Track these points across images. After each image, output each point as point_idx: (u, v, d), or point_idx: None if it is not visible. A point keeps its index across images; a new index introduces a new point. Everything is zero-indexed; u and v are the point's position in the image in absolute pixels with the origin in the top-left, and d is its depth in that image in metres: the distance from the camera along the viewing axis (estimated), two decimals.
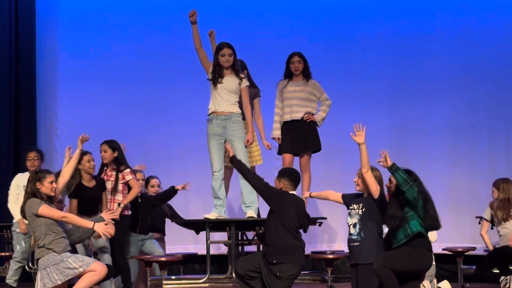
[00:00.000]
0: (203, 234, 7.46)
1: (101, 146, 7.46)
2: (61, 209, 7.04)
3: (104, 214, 6.53)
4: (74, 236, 6.57)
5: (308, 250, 7.47)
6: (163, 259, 7.12)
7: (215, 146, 7.26)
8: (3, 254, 8.81)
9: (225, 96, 7.24)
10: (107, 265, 6.45)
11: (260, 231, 7.21)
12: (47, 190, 6.38)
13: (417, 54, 9.75)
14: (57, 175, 6.73)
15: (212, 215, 7.20)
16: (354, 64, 9.85)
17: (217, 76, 7.25)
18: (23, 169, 8.16)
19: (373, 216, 6.27)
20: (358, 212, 6.33)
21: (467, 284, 8.24)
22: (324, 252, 8.18)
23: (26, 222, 7.81)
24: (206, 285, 7.16)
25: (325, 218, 7.80)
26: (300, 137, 7.68)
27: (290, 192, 6.37)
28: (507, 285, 7.46)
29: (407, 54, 9.79)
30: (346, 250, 6.61)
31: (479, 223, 8.00)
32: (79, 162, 7.14)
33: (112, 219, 6.69)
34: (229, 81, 7.25)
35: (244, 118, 7.33)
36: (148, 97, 10.00)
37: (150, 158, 9.39)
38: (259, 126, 7.87)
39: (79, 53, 10.11)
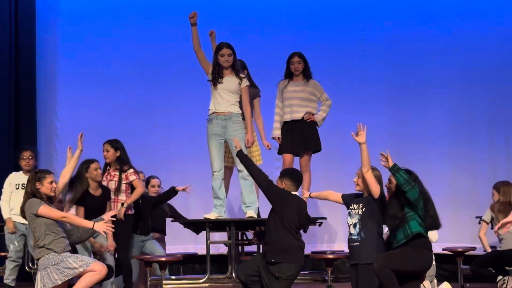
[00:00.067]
0: (203, 234, 7.47)
1: (103, 145, 7.47)
2: (61, 209, 7.04)
3: (105, 214, 6.52)
4: (74, 236, 6.57)
5: (308, 250, 7.48)
6: (163, 259, 7.12)
7: (215, 146, 7.27)
8: (3, 254, 8.80)
9: (225, 96, 7.24)
10: (107, 265, 6.46)
11: (259, 230, 7.23)
12: (47, 190, 6.38)
13: (418, 56, 9.74)
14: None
15: (212, 215, 7.20)
16: (354, 66, 9.85)
17: (217, 76, 7.25)
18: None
19: (373, 216, 6.27)
20: (358, 212, 6.33)
21: (467, 284, 8.24)
22: (324, 252, 8.18)
23: (14, 220, 7.87)
24: (206, 285, 7.16)
25: (325, 218, 7.80)
26: (300, 137, 7.68)
27: (293, 192, 6.36)
28: (505, 285, 7.47)
29: (407, 55, 9.78)
30: (346, 250, 6.61)
31: (479, 223, 8.00)
32: (86, 170, 7.15)
33: (116, 219, 6.71)
34: (229, 81, 7.25)
35: (244, 118, 7.33)
36: (148, 97, 10.00)
37: (150, 158, 9.39)
38: (259, 126, 7.87)
39: (79, 53, 10.10)
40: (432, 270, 7.08)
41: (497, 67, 9.57)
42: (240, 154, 6.64)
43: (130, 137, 8.75)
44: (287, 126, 7.75)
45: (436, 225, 6.23)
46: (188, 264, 9.64)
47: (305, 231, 6.78)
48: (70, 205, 7.31)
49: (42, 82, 10.16)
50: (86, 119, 9.77)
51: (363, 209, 6.31)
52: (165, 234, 8.21)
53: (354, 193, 6.53)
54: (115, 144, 7.45)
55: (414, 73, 9.76)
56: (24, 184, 7.81)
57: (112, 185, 7.39)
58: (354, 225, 6.32)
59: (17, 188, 7.93)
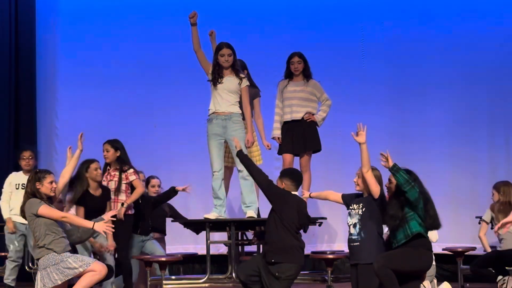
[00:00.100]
0: (203, 234, 7.46)
1: (103, 145, 7.47)
2: (61, 209, 7.04)
3: (105, 214, 6.51)
4: (74, 236, 6.57)
5: (308, 250, 7.48)
6: (163, 259, 7.12)
7: (215, 146, 7.27)
8: (3, 254, 8.81)
9: (225, 96, 7.24)
10: (107, 265, 6.45)
11: (259, 230, 7.22)
12: (47, 190, 6.38)
13: (418, 56, 9.74)
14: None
15: (212, 215, 7.20)
16: (354, 66, 9.84)
17: (217, 77, 7.25)
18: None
19: (373, 216, 6.27)
20: (358, 212, 6.33)
21: (467, 284, 8.24)
22: (324, 252, 8.18)
23: (14, 220, 7.87)
24: (206, 285, 7.16)
25: (325, 218, 7.80)
26: (300, 137, 7.68)
27: (293, 192, 6.36)
28: (505, 285, 7.47)
29: (407, 55, 9.78)
30: (346, 250, 6.61)
31: (479, 223, 8.00)
32: (86, 170, 7.15)
33: (116, 219, 6.70)
34: (229, 81, 7.25)
35: (244, 118, 7.33)
36: (148, 97, 10.00)
37: (150, 158, 9.39)
38: (259, 126, 7.87)
39: (79, 53, 10.10)
40: (432, 270, 7.08)
41: (497, 67, 9.57)
42: (240, 154, 6.65)
43: (130, 137, 8.75)
44: (287, 126, 7.75)
45: (436, 225, 6.23)
46: (188, 264, 9.64)
47: (305, 231, 6.78)
48: (70, 205, 7.31)
49: (42, 82, 10.16)
50: (86, 119, 9.77)
51: (363, 209, 6.31)
52: (165, 234, 8.20)
53: (354, 193, 6.53)
54: (115, 144, 7.46)
55: (414, 73, 9.76)
56: (24, 184, 7.82)
57: (112, 185, 7.39)
58: (354, 225, 6.32)
59: (17, 188, 7.94)
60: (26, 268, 8.53)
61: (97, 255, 7.23)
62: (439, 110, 9.65)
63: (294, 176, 6.45)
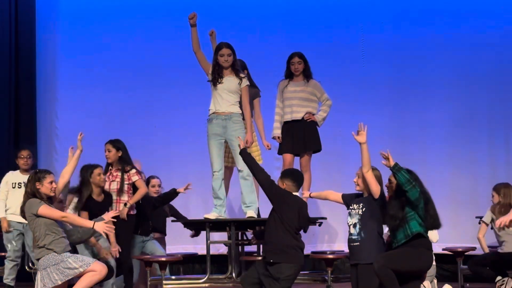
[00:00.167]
0: (203, 234, 7.46)
1: (105, 145, 7.47)
2: (62, 209, 7.04)
3: (106, 215, 6.51)
4: (75, 236, 6.57)
5: (308, 250, 7.48)
6: (163, 259, 7.12)
7: (215, 146, 7.27)
8: (3, 254, 8.81)
9: (226, 96, 7.24)
10: (108, 265, 6.45)
11: (259, 230, 7.22)
12: (47, 190, 6.38)
13: (418, 57, 9.74)
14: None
15: (212, 215, 7.20)
16: (354, 66, 9.84)
17: (216, 77, 7.25)
18: None
19: (373, 216, 6.27)
20: (358, 212, 6.33)
21: (467, 284, 8.24)
22: (324, 252, 8.18)
23: (10, 220, 7.87)
24: (206, 285, 7.17)
25: (325, 218, 7.80)
26: (301, 137, 7.68)
27: (294, 193, 6.35)
28: (503, 286, 7.46)
29: (407, 56, 9.77)
30: (346, 250, 6.60)
31: (479, 223, 7.99)
32: (90, 175, 7.15)
33: (119, 219, 6.70)
34: (229, 81, 7.25)
35: (244, 118, 7.33)
36: (148, 97, 9.99)
37: (150, 158, 9.38)
38: (259, 126, 7.87)
39: (79, 54, 10.10)
40: (432, 270, 7.08)
41: (497, 67, 9.57)
42: (243, 152, 6.60)
43: (130, 137, 8.74)
44: (287, 126, 7.75)
45: (436, 225, 6.24)
46: (188, 264, 9.64)
47: (305, 231, 6.77)
48: (75, 211, 7.31)
49: (42, 82, 10.15)
50: (86, 119, 9.77)
51: (363, 209, 6.31)
52: (165, 235, 8.20)
53: (354, 193, 6.53)
54: (117, 144, 7.45)
55: (414, 73, 9.75)
56: (20, 183, 7.85)
57: (114, 186, 7.38)
58: (354, 225, 6.32)
59: (13, 187, 7.95)
60: (26, 268, 8.53)
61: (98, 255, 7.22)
62: (439, 111, 9.64)
63: (295, 176, 6.43)
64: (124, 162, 7.41)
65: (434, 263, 6.59)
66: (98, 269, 6.23)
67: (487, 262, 7.62)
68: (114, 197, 7.36)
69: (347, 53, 9.88)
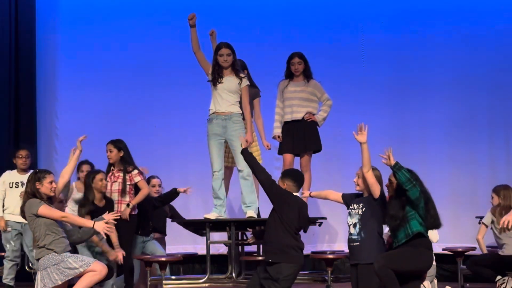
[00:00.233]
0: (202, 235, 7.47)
1: (106, 146, 7.46)
2: (63, 209, 7.04)
3: (107, 215, 6.51)
4: (75, 236, 6.57)
5: (308, 250, 7.48)
6: (163, 259, 7.11)
7: (215, 146, 7.27)
8: (2, 254, 8.81)
9: (226, 96, 7.24)
10: (108, 265, 6.45)
11: (258, 229, 7.22)
12: (47, 190, 6.38)
13: (418, 57, 9.74)
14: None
15: (212, 215, 7.20)
16: (354, 66, 9.83)
17: (216, 77, 7.25)
18: None
19: (373, 216, 6.27)
20: (358, 212, 6.33)
21: (467, 284, 8.24)
22: (324, 252, 8.18)
23: (8, 219, 7.88)
24: (206, 285, 7.17)
25: (325, 218, 7.80)
26: (301, 137, 7.68)
27: (294, 193, 6.35)
28: (504, 285, 7.46)
29: (407, 56, 9.77)
30: (347, 250, 6.60)
31: (479, 223, 7.99)
32: (92, 180, 7.15)
33: (121, 219, 6.69)
34: (229, 81, 7.25)
35: (244, 118, 7.33)
36: (148, 97, 9.99)
37: (150, 158, 9.37)
38: (259, 126, 7.87)
39: (79, 53, 10.10)
40: (432, 270, 7.08)
41: (497, 68, 9.57)
42: (244, 152, 6.57)
43: (130, 137, 8.73)
44: (287, 126, 7.76)
45: (437, 225, 6.24)
46: (188, 264, 9.64)
47: (305, 231, 6.77)
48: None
49: (42, 82, 10.15)
50: (86, 119, 9.77)
51: (363, 209, 6.31)
52: (165, 235, 8.20)
53: (354, 193, 6.53)
54: (118, 144, 7.44)
55: (414, 73, 9.74)
56: (18, 182, 7.85)
57: (116, 186, 7.37)
58: (354, 225, 6.32)
59: (11, 187, 7.95)
60: (26, 268, 8.53)
61: (99, 255, 7.21)
62: (439, 111, 9.64)
63: (296, 176, 6.43)
64: (126, 163, 7.40)
65: (434, 263, 6.59)
66: (98, 269, 6.23)
67: (487, 263, 7.61)
68: (116, 197, 7.36)
69: (347, 53, 9.87)
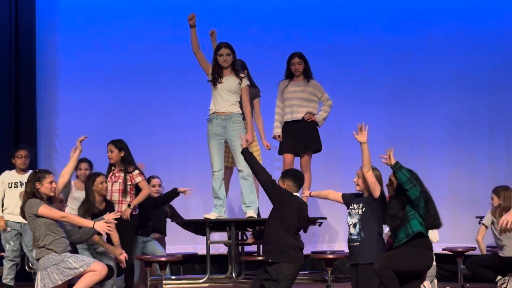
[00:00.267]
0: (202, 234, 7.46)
1: (107, 146, 7.46)
2: (63, 209, 7.04)
3: (107, 215, 6.51)
4: (75, 236, 6.58)
5: (308, 250, 7.48)
6: (163, 259, 7.11)
7: (215, 146, 7.27)
8: (2, 254, 8.82)
9: (226, 96, 7.24)
10: (108, 265, 6.45)
11: (258, 229, 7.22)
12: (47, 190, 6.38)
13: (418, 57, 9.74)
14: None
15: (212, 215, 7.20)
16: (354, 66, 9.83)
17: (216, 77, 7.25)
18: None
19: (373, 216, 6.27)
20: (358, 212, 6.33)
21: (467, 284, 8.23)
22: (324, 252, 8.18)
23: (7, 219, 7.88)
24: (206, 285, 7.16)
25: (325, 218, 7.80)
26: (301, 137, 7.68)
27: (294, 193, 6.35)
28: (505, 285, 7.45)
29: (407, 56, 9.77)
30: (347, 250, 6.60)
31: (479, 223, 7.99)
32: (92, 183, 7.15)
33: (122, 219, 6.69)
34: (229, 81, 7.25)
35: (244, 118, 7.33)
36: (148, 97, 9.99)
37: (150, 158, 9.37)
38: (259, 127, 7.87)
39: (79, 54, 10.10)
40: (432, 270, 7.08)
41: (497, 69, 9.57)
42: (245, 151, 6.55)
43: (131, 137, 8.73)
44: (287, 126, 7.76)
45: (437, 224, 6.24)
46: (188, 264, 9.64)
47: (305, 231, 6.77)
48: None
49: (42, 82, 10.15)
50: (86, 119, 9.77)
51: (363, 209, 6.31)
52: (165, 235, 8.20)
53: (354, 193, 6.53)
54: (119, 144, 7.44)
55: (414, 73, 9.75)
56: (17, 182, 7.85)
57: (116, 186, 7.36)
58: (354, 225, 6.32)
59: (10, 187, 7.95)
60: (26, 268, 8.53)
61: (99, 255, 7.21)
62: (439, 111, 9.64)
63: (296, 176, 6.42)
64: (127, 163, 7.40)
65: (434, 263, 6.59)
66: (98, 269, 6.23)
67: (487, 264, 7.59)
68: (117, 197, 7.35)
69: (347, 53, 9.87)
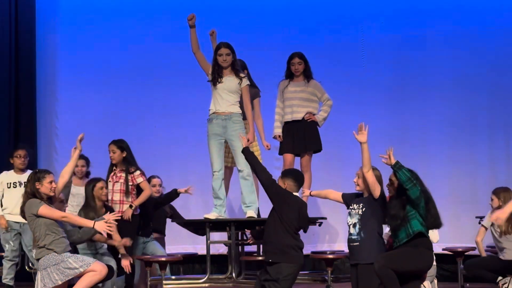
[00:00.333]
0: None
1: (109, 146, 7.44)
2: (63, 209, 7.03)
3: (108, 215, 6.50)
4: (75, 236, 6.58)
5: (308, 250, 7.48)
6: (163, 259, 7.11)
7: (215, 146, 7.27)
8: (1, 254, 8.82)
9: (226, 96, 7.24)
10: (108, 265, 6.45)
11: (258, 229, 7.22)
12: (47, 190, 6.38)
13: (418, 57, 9.73)
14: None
15: (212, 215, 7.20)
16: (354, 67, 9.83)
17: (216, 76, 7.25)
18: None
19: (373, 216, 6.27)
20: (358, 212, 6.33)
21: (467, 284, 8.23)
22: (324, 252, 8.18)
23: (7, 219, 7.88)
24: (206, 285, 7.16)
25: (325, 218, 7.80)
26: (301, 137, 7.68)
27: (294, 193, 6.35)
28: (506, 285, 7.45)
29: (407, 57, 9.77)
30: (347, 250, 6.60)
31: (479, 223, 7.98)
32: (92, 188, 7.14)
33: (123, 220, 6.68)
34: (229, 81, 7.25)
35: (244, 118, 7.33)
36: (148, 97, 10.00)
37: (150, 158, 9.37)
38: (259, 127, 7.87)
39: (79, 53, 10.10)
40: (432, 270, 7.07)
41: (497, 69, 9.56)
42: (245, 150, 6.55)
43: (130, 137, 8.74)
44: (287, 126, 7.76)
45: (437, 224, 6.24)
46: (188, 264, 9.64)
47: (305, 231, 6.77)
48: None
49: (42, 82, 10.15)
50: (86, 119, 9.77)
51: (363, 209, 6.31)
52: (164, 235, 8.20)
53: (355, 193, 6.52)
54: (121, 144, 7.42)
55: (414, 73, 9.74)
56: (16, 182, 7.85)
57: (118, 187, 7.35)
58: (354, 225, 6.32)
59: (9, 187, 7.95)
60: (26, 268, 8.53)
61: (99, 255, 7.21)
62: (439, 111, 9.63)
63: (296, 176, 6.42)
64: (128, 163, 7.39)
65: (434, 263, 6.59)
66: (98, 269, 6.23)
67: (486, 266, 7.57)
68: (118, 197, 7.35)
69: (347, 53, 9.87)
